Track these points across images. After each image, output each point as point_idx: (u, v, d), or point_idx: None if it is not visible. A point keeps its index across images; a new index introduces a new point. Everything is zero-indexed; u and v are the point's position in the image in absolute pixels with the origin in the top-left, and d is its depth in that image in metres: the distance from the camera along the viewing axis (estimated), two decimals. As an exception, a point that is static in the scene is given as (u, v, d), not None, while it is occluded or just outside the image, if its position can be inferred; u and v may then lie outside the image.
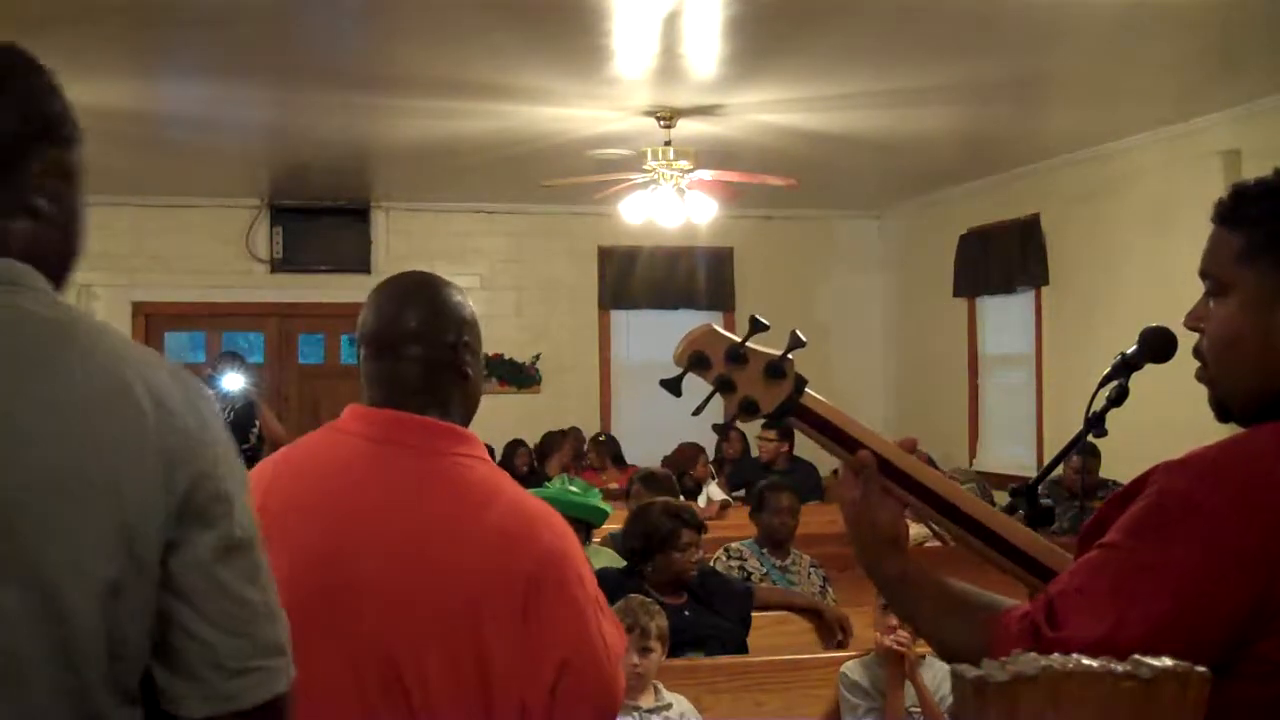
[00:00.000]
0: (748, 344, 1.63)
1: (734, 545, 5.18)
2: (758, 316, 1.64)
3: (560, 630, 1.72)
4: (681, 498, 7.70)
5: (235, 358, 7.50)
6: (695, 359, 1.63)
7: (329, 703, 1.68)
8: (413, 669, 1.70)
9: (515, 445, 9.18)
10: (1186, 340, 1.77)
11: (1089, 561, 1.43)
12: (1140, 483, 1.45)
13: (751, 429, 9.06)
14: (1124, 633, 1.34)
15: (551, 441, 9.26)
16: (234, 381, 6.99)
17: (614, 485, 8.04)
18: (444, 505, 1.80)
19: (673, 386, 1.65)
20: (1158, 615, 1.35)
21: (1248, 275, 1.47)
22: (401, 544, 1.77)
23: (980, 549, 1.63)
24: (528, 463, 9.13)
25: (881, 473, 1.62)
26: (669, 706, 3.55)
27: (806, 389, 1.64)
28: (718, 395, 1.64)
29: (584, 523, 4.86)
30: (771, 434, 8.22)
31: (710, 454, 9.16)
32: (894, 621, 3.67)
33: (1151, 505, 1.41)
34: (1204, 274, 1.53)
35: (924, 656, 3.78)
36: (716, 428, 1.72)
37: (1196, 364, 1.57)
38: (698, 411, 1.67)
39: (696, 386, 1.68)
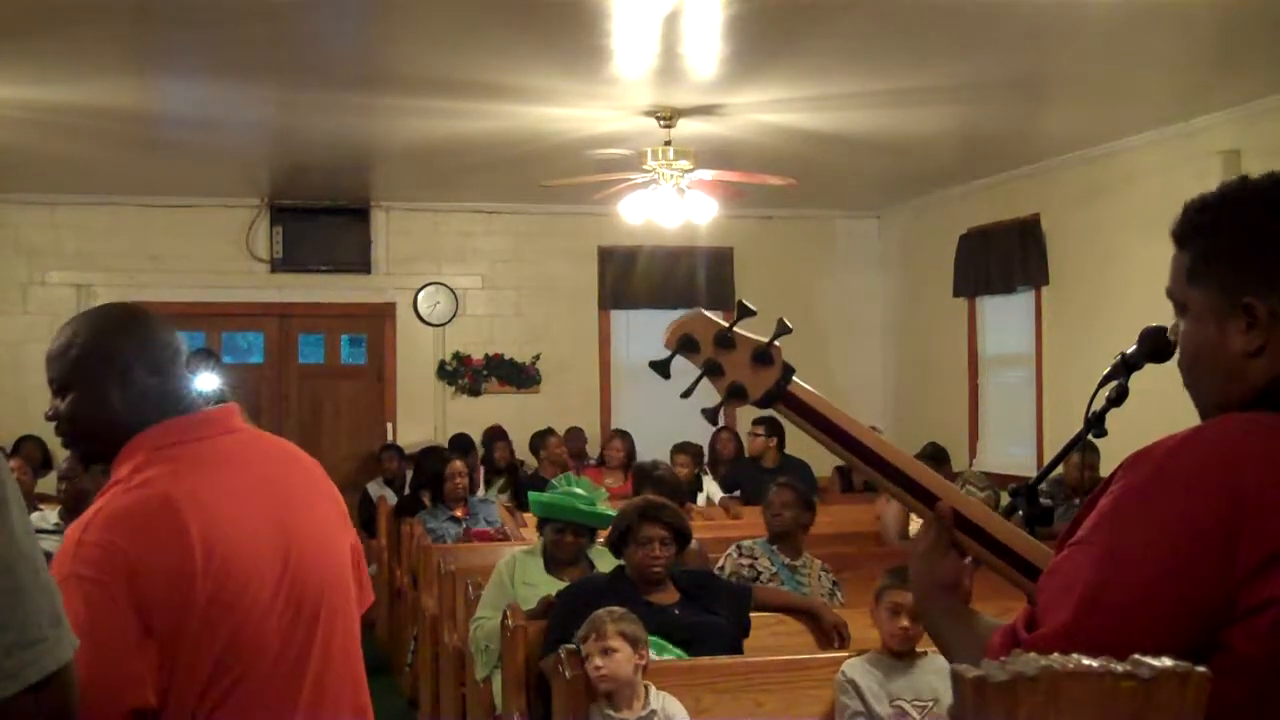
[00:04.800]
0: (735, 329, 1.64)
1: (745, 543, 5.20)
2: (745, 302, 1.65)
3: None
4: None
5: (209, 356, 7.38)
6: (684, 342, 1.64)
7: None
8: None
9: (496, 437, 9.21)
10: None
11: (1059, 562, 1.46)
12: (1109, 479, 1.48)
13: (742, 427, 9.08)
14: (1090, 623, 1.36)
15: (540, 441, 9.26)
16: (208, 381, 6.94)
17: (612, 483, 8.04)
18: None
19: (661, 368, 1.67)
20: (1122, 605, 1.36)
21: (1196, 293, 1.53)
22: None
23: (994, 563, 1.69)
24: (507, 456, 9.12)
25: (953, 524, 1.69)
26: (653, 715, 3.53)
27: (794, 378, 1.65)
28: (706, 380, 1.66)
29: (589, 526, 4.85)
30: (760, 429, 8.22)
31: (706, 454, 9.17)
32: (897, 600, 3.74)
33: (1114, 498, 1.44)
34: (1168, 294, 1.59)
35: (925, 653, 3.79)
36: (705, 412, 1.73)
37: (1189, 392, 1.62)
38: (687, 394, 1.69)
39: (689, 377, 1.68)
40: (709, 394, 1.70)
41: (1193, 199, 1.56)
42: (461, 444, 9.18)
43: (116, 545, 1.84)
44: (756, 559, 5.07)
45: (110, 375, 2.01)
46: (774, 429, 8.17)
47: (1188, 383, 1.57)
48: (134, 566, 1.82)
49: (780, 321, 1.63)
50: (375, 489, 9.09)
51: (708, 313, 1.68)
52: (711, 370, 1.64)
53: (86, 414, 2.03)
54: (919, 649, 3.78)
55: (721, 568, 5.08)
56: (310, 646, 2.00)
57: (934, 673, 3.73)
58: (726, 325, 1.65)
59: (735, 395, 1.64)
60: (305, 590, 2.01)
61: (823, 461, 8.38)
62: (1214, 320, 1.50)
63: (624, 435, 9.12)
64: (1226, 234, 1.51)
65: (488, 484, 8.84)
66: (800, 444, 7.46)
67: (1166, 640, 1.30)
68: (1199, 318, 1.52)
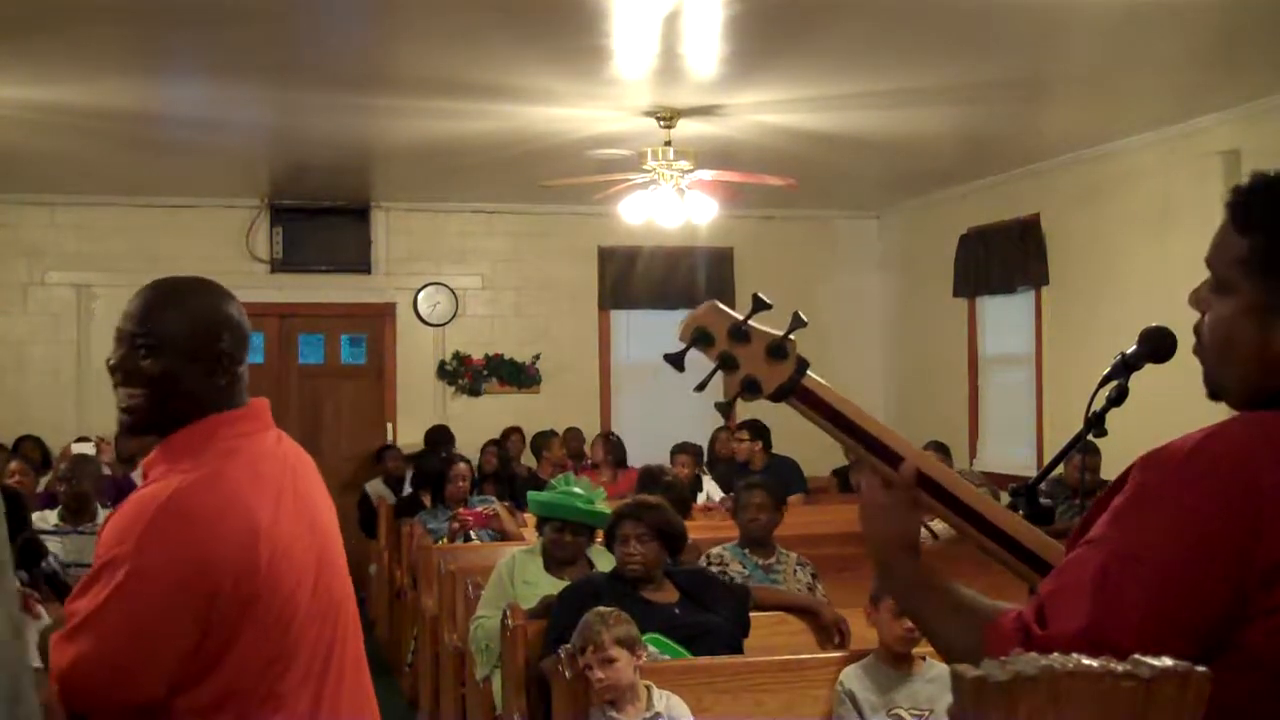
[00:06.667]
0: (750, 323, 1.63)
1: (714, 551, 5.11)
2: (760, 295, 1.63)
3: None
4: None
5: None
6: (699, 335, 1.63)
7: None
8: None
9: (489, 443, 9.23)
10: (1186, 340, 1.77)
11: (1074, 559, 1.45)
12: (1122, 478, 1.47)
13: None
14: (1109, 622, 1.36)
15: (541, 442, 9.26)
16: None
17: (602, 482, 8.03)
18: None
19: (676, 361, 1.66)
20: (1140, 603, 1.36)
21: (1249, 282, 1.47)
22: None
23: (1001, 556, 1.65)
24: (494, 463, 9.11)
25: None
26: (657, 717, 3.53)
27: (808, 371, 1.64)
28: (720, 374, 1.65)
29: (587, 525, 4.86)
30: (744, 434, 8.20)
31: (706, 454, 9.17)
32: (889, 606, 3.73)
33: (1130, 497, 1.43)
34: (1208, 265, 1.53)
35: (924, 658, 3.78)
36: (719, 405, 1.72)
37: (1196, 357, 1.58)
38: (700, 387, 1.68)
39: (695, 376, 1.68)
40: (717, 389, 1.69)
41: (1268, 176, 1.49)
42: (444, 438, 9.21)
43: (191, 524, 1.84)
44: (728, 564, 5.01)
45: (207, 355, 2.01)
46: (758, 432, 8.17)
47: (1210, 361, 1.53)
48: (207, 543, 1.83)
49: (795, 315, 1.62)
50: (375, 489, 9.09)
51: (721, 305, 1.67)
52: (726, 364, 1.63)
53: (169, 382, 1.99)
54: (916, 653, 3.78)
55: (711, 571, 5.05)
56: (331, 656, 2.01)
57: (930, 680, 3.73)
58: (741, 318, 1.64)
59: (749, 389, 1.63)
60: (330, 598, 2.03)
61: (818, 462, 8.38)
62: (1261, 315, 1.47)
63: (607, 436, 9.28)
64: None
65: (479, 490, 8.84)
66: (793, 444, 7.46)
67: (1182, 640, 1.30)
68: (1245, 308, 1.48)
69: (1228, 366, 1.51)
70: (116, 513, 1.93)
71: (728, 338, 1.63)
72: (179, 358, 1.99)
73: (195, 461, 1.92)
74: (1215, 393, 1.54)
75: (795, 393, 1.64)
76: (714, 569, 4.98)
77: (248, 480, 1.93)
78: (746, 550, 5.09)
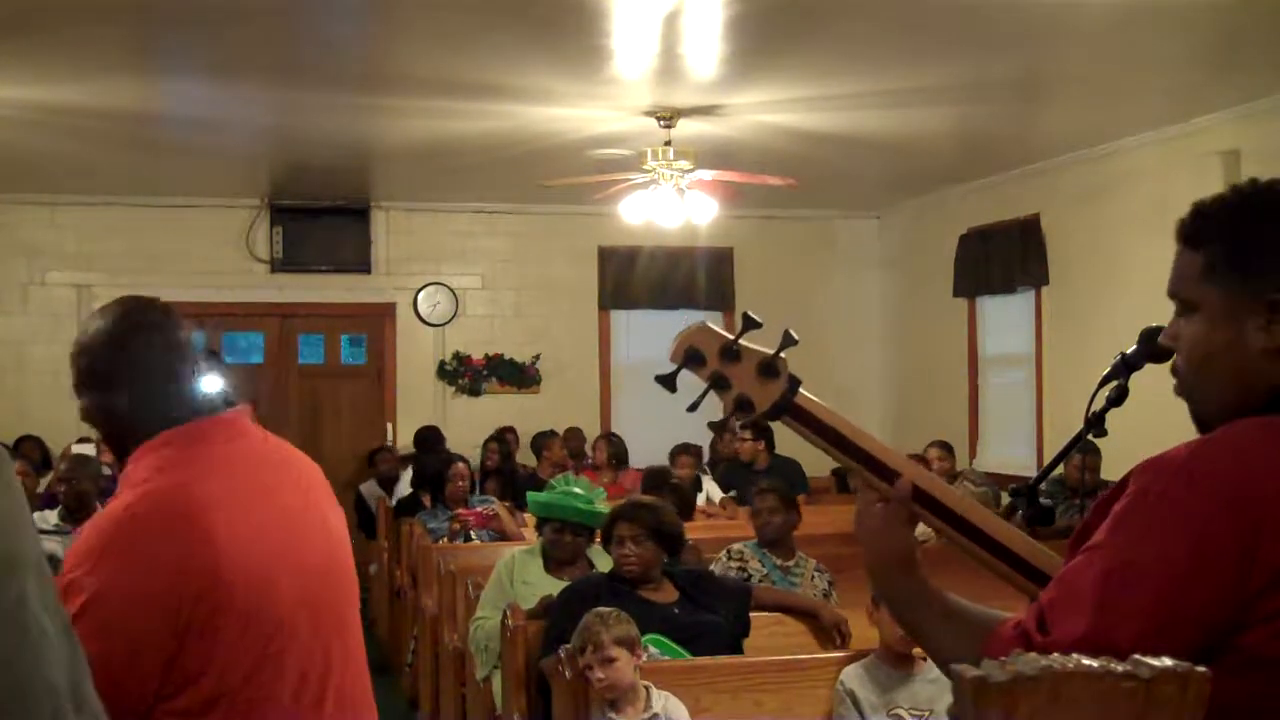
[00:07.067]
0: (741, 341, 1.63)
1: (735, 547, 5.17)
2: (750, 314, 1.64)
3: None
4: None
5: (211, 355, 7.43)
6: (690, 355, 1.63)
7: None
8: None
9: (488, 441, 9.22)
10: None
11: (1075, 566, 1.45)
12: (1121, 484, 1.47)
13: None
14: (1110, 629, 1.36)
15: (541, 442, 9.27)
16: (213, 383, 6.91)
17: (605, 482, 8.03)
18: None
19: (667, 382, 1.66)
20: (1142, 609, 1.37)
21: (1211, 292, 1.50)
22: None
23: (998, 568, 1.65)
24: (496, 461, 9.11)
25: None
26: (655, 718, 3.53)
27: (800, 389, 1.64)
28: (713, 392, 1.65)
29: (587, 525, 4.86)
30: (747, 434, 8.21)
31: (706, 454, 9.19)
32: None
33: (1130, 504, 1.43)
34: (1172, 294, 1.56)
35: (924, 658, 3.78)
36: (712, 425, 1.73)
37: (1180, 396, 1.59)
38: (693, 408, 1.68)
39: (693, 383, 1.68)
40: (715, 405, 1.69)
41: (1206, 200, 1.54)
42: (434, 437, 9.20)
43: (143, 541, 1.83)
44: (747, 562, 5.04)
45: (160, 376, 2.00)
46: (761, 432, 8.17)
47: (1192, 384, 1.54)
48: (158, 559, 1.82)
49: (786, 333, 1.62)
50: (369, 490, 9.09)
51: (713, 325, 1.67)
52: (718, 383, 1.63)
53: (102, 414, 2.02)
54: (917, 653, 3.78)
55: (712, 571, 5.07)
56: (331, 659, 2.00)
57: (931, 681, 3.73)
58: (732, 338, 1.64)
59: (742, 408, 1.63)
60: (328, 599, 2.02)
61: (817, 461, 8.36)
62: (1232, 320, 1.48)
63: (608, 436, 9.26)
64: (1251, 232, 1.49)
65: (481, 488, 8.85)
66: (793, 442, 7.46)
67: (1183, 645, 1.30)
68: (1215, 318, 1.50)
69: (1211, 382, 1.52)
70: (83, 529, 1.94)
71: (719, 357, 1.63)
72: (99, 389, 2.00)
73: (152, 475, 1.92)
74: (1204, 423, 1.54)
75: (788, 411, 1.64)
76: (733, 564, 5.01)
77: (212, 490, 1.91)
78: (766, 550, 5.12)
